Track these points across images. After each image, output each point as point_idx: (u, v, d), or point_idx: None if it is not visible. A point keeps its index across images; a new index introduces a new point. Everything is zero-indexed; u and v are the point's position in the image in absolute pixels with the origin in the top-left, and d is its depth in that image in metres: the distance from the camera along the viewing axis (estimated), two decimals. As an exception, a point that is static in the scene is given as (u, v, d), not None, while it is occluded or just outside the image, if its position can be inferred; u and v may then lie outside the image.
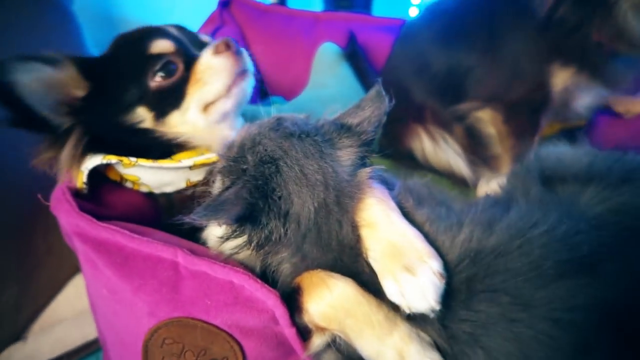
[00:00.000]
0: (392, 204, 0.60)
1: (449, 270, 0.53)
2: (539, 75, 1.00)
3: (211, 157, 0.72)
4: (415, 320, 0.54)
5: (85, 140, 0.68)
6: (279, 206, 0.57)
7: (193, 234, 0.69)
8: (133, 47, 0.73)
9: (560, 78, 0.99)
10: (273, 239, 0.57)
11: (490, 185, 1.07)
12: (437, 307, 0.50)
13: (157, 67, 0.70)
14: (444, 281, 0.52)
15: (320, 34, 1.38)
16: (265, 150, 0.60)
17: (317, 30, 1.39)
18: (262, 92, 1.42)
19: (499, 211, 0.57)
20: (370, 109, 0.66)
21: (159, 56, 0.71)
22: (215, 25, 1.33)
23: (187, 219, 0.53)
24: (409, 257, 0.53)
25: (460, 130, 1.13)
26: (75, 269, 1.11)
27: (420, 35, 1.15)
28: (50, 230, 1.05)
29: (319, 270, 0.56)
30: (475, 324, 0.52)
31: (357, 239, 0.57)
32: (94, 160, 0.67)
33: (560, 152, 0.66)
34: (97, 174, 0.71)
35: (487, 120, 1.08)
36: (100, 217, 0.63)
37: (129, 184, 0.74)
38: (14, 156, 1.00)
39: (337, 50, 1.28)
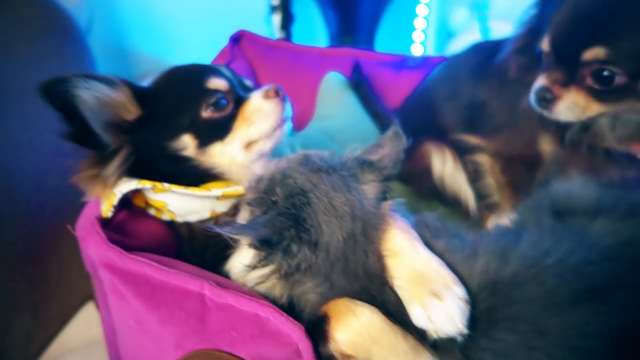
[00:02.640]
0: (415, 234, 0.62)
1: (471, 299, 0.56)
2: (532, 136, 1.00)
3: (239, 189, 0.75)
4: (438, 349, 0.55)
5: (132, 161, 0.72)
6: (309, 235, 0.59)
7: (216, 267, 0.71)
8: (190, 80, 0.78)
9: (546, 145, 0.99)
10: (302, 267, 0.59)
11: (500, 221, 1.09)
12: (465, 331, 0.52)
13: (212, 100, 0.75)
14: (469, 307, 0.54)
15: (327, 69, 1.43)
16: (296, 183, 0.62)
17: (324, 65, 1.44)
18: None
19: (511, 240, 0.60)
20: (389, 147, 0.69)
21: (215, 91, 0.76)
22: (226, 59, 1.37)
23: (220, 230, 0.55)
24: (435, 283, 0.55)
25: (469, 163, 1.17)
26: (85, 297, 1.11)
27: (459, 65, 1.21)
28: (63, 258, 1.06)
29: (346, 298, 0.57)
30: (496, 352, 0.54)
31: (383, 268, 0.59)
32: (130, 185, 0.70)
33: (570, 187, 0.70)
34: (124, 201, 0.73)
35: (486, 167, 1.11)
36: (127, 248, 0.64)
37: (152, 211, 0.76)
38: (29, 185, 1.03)
39: (341, 80, 1.32)
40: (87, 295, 1.11)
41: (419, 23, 1.84)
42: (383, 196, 0.67)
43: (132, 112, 0.72)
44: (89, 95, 0.64)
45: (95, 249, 0.64)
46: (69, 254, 1.06)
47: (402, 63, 1.50)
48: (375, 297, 0.58)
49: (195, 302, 0.60)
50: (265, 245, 0.58)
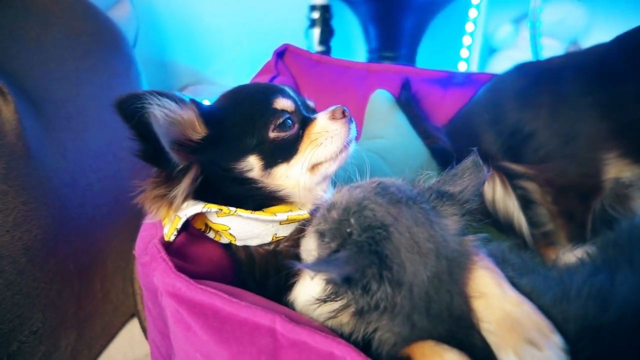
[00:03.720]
0: (502, 274, 0.58)
1: (569, 348, 0.51)
2: (593, 162, 0.96)
3: (304, 214, 0.72)
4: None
5: (199, 181, 0.69)
6: (392, 273, 0.55)
7: (278, 295, 0.68)
8: (257, 100, 0.76)
9: (615, 168, 0.94)
10: (381, 306, 0.56)
11: (568, 256, 1.04)
12: None
13: (279, 121, 0.73)
14: (569, 358, 0.50)
15: (372, 85, 1.40)
16: (374, 215, 0.58)
17: (369, 81, 1.41)
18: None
19: (606, 281, 0.55)
20: (469, 178, 0.65)
21: (282, 112, 0.74)
22: (271, 74, 1.36)
23: (302, 266, 0.55)
24: (529, 330, 0.51)
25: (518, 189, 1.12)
26: (128, 316, 1.09)
27: (504, 89, 1.16)
28: (107, 277, 1.04)
29: (431, 341, 0.54)
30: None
31: (469, 310, 0.56)
32: (196, 208, 0.67)
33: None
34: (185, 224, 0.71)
35: (536, 195, 1.07)
36: (192, 275, 0.62)
37: (211, 234, 0.74)
38: (77, 201, 1.02)
39: (390, 98, 1.29)
40: (130, 313, 1.10)
41: (466, 39, 1.80)
42: (463, 232, 0.63)
43: (199, 131, 0.70)
44: (160, 113, 0.62)
45: (161, 277, 0.61)
46: (113, 271, 1.04)
47: (449, 80, 1.46)
48: (461, 341, 0.54)
49: (266, 337, 0.56)
50: (346, 283, 0.55)
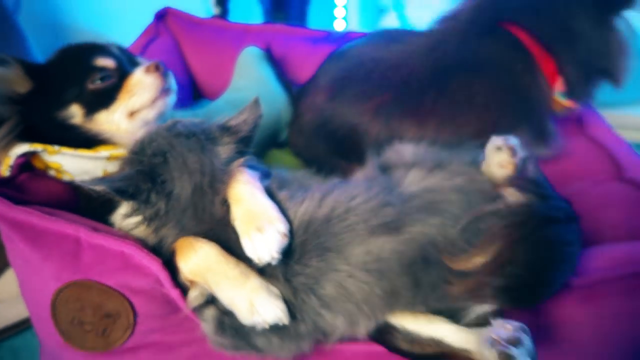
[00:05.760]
0: (258, 184, 0.74)
1: (292, 234, 0.69)
2: None
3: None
4: (266, 275, 0.69)
5: (19, 129, 0.82)
6: (163, 188, 0.72)
7: (104, 217, 0.83)
8: (79, 58, 0.88)
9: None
10: (161, 214, 0.72)
11: None
12: (277, 257, 0.65)
13: (98, 76, 0.86)
14: (286, 240, 0.67)
15: (249, 44, 1.52)
16: (157, 145, 0.74)
17: (247, 41, 1.53)
18: (195, 97, 1.57)
19: (331, 188, 0.73)
20: (247, 114, 0.81)
21: (101, 69, 0.87)
22: (150, 36, 1.46)
23: (81, 184, 0.69)
24: (261, 220, 0.68)
25: None
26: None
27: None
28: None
29: (191, 237, 0.70)
30: (307, 275, 0.68)
31: (227, 213, 0.72)
32: (22, 148, 0.81)
33: (400, 147, 0.83)
34: (26, 164, 0.84)
35: None
36: (19, 201, 0.76)
37: (52, 172, 0.87)
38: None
39: (257, 53, 1.42)
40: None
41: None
42: (240, 154, 0.79)
43: (24, 86, 0.83)
44: None
45: (-13, 203, 0.75)
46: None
47: (324, 38, 1.60)
48: (219, 236, 0.71)
49: (71, 244, 0.72)
50: (123, 195, 0.70)
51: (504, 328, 0.58)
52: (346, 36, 1.61)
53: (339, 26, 1.99)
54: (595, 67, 1.09)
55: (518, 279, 0.61)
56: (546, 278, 0.63)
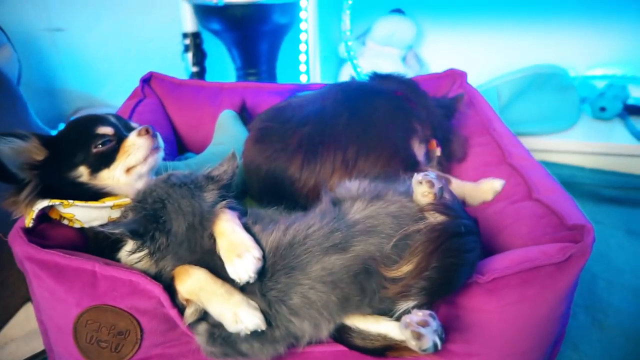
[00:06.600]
0: (237, 221, 0.94)
1: (265, 258, 0.89)
2: None
3: (126, 200, 1.05)
4: (246, 292, 0.88)
5: (39, 188, 1.01)
6: (164, 227, 0.91)
7: (112, 255, 1.01)
8: (84, 128, 1.09)
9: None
10: (161, 248, 0.91)
11: None
12: (254, 276, 0.84)
13: (100, 141, 1.06)
14: (261, 263, 0.86)
15: (224, 100, 1.75)
16: (157, 194, 0.94)
17: (221, 97, 1.77)
18: (180, 149, 1.78)
19: (294, 220, 0.94)
20: (226, 165, 1.02)
21: (102, 135, 1.07)
22: (138, 98, 1.67)
23: (103, 229, 0.87)
24: (240, 249, 0.87)
25: None
26: (24, 300, 1.37)
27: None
28: (4, 267, 1.32)
29: (187, 265, 0.90)
30: (278, 289, 0.87)
31: (214, 244, 0.92)
32: (43, 203, 0.99)
33: (348, 184, 1.05)
34: (43, 216, 1.02)
35: None
36: (44, 246, 0.94)
37: (65, 221, 1.06)
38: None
39: (232, 114, 1.66)
40: (25, 297, 1.38)
41: (302, 57, 2.22)
42: (223, 198, 0.99)
43: (40, 154, 1.03)
44: (7, 147, 0.95)
45: (19, 247, 0.93)
46: (7, 262, 1.32)
47: (290, 91, 1.85)
48: (208, 263, 0.90)
49: (89, 276, 0.90)
50: (135, 235, 0.89)
51: (416, 315, 0.78)
52: (309, 87, 1.86)
53: (304, 79, 2.25)
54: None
55: (433, 280, 0.82)
56: (453, 277, 0.83)
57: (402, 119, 1.36)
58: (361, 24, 2.55)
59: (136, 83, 1.77)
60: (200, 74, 2.22)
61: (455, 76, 1.83)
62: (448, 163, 1.52)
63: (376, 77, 1.52)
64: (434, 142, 1.43)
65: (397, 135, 1.34)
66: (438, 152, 1.45)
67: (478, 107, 1.63)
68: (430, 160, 1.44)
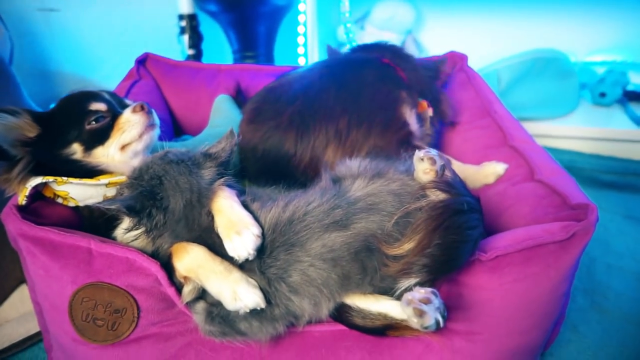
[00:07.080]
0: (235, 199, 0.92)
1: (264, 235, 0.87)
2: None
3: (122, 178, 1.03)
4: (245, 269, 0.86)
5: (31, 166, 0.98)
6: (161, 204, 0.89)
7: (107, 233, 1.00)
8: (77, 104, 1.06)
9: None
10: (158, 226, 0.89)
11: None
12: (253, 254, 0.83)
13: (93, 117, 1.04)
14: (260, 240, 0.85)
15: (220, 83, 1.73)
16: (154, 171, 0.92)
17: (218, 80, 1.74)
18: (176, 132, 1.75)
19: (294, 197, 0.92)
20: (224, 142, 1.00)
21: (95, 112, 1.04)
22: (133, 79, 1.64)
23: (99, 205, 0.85)
24: (239, 226, 0.85)
25: None
26: (18, 281, 1.35)
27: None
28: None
29: (184, 242, 0.88)
30: (277, 267, 0.85)
31: (212, 222, 0.90)
32: (36, 180, 0.96)
33: (348, 162, 1.03)
34: (37, 194, 1.00)
35: None
36: (38, 224, 0.92)
37: (59, 200, 1.04)
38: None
39: (227, 98, 1.63)
40: (19, 279, 1.36)
41: (300, 39, 2.18)
42: (221, 176, 0.97)
43: (32, 131, 1.00)
44: None
45: (12, 224, 0.91)
46: (1, 244, 1.30)
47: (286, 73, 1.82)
48: (206, 241, 0.89)
49: (84, 253, 0.88)
50: (132, 212, 0.87)
51: (418, 292, 0.77)
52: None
53: (302, 62, 2.22)
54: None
55: (435, 257, 0.81)
56: (455, 254, 0.82)
57: (390, 86, 1.36)
58: (360, 8, 2.51)
59: (131, 65, 1.74)
60: (197, 57, 2.18)
61: (456, 59, 1.80)
62: (442, 126, 1.53)
63: (359, 48, 1.52)
64: (424, 103, 1.42)
65: (387, 102, 1.33)
66: (430, 112, 1.44)
67: (478, 90, 1.61)
68: (424, 122, 1.42)
